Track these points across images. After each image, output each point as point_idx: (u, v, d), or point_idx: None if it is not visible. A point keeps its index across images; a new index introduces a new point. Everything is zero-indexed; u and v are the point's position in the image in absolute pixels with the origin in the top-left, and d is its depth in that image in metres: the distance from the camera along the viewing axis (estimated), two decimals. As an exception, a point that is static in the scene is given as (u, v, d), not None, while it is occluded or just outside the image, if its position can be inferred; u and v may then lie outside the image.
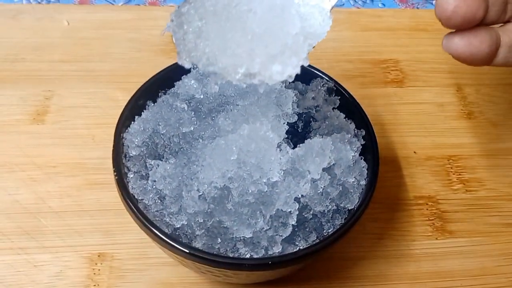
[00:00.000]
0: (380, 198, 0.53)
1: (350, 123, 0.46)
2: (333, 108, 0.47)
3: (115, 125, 0.43)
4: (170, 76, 0.47)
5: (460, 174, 0.57)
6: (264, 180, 0.39)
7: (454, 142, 0.59)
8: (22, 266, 0.47)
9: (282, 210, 0.39)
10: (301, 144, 0.41)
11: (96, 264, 0.47)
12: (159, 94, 0.46)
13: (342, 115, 0.46)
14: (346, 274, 0.49)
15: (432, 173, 0.57)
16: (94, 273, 0.47)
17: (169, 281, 0.47)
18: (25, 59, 0.63)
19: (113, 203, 0.51)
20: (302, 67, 0.48)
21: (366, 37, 0.70)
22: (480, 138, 0.60)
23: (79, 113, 0.58)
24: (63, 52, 0.64)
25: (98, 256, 0.48)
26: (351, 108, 0.47)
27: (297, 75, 0.48)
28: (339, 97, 0.47)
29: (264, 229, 0.38)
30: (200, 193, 0.39)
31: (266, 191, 0.39)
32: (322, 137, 0.41)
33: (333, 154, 0.41)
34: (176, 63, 0.48)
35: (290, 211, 0.39)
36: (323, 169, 0.41)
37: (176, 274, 0.47)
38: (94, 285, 0.46)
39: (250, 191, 0.38)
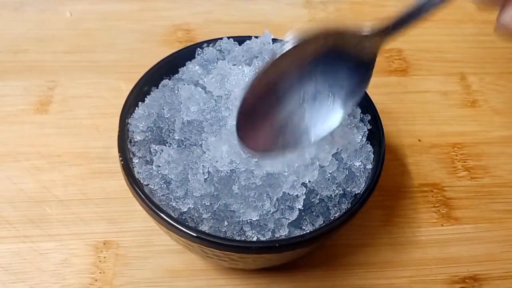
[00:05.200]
0: (385, 185, 0.53)
1: (356, 108, 0.45)
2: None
3: (119, 115, 0.43)
4: (175, 63, 0.47)
5: (465, 162, 0.57)
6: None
7: (458, 130, 0.59)
8: (27, 254, 0.47)
9: (289, 193, 0.39)
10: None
11: (101, 251, 0.47)
12: (164, 80, 0.46)
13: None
14: (351, 261, 0.48)
15: (437, 160, 0.56)
16: (100, 261, 0.47)
17: (174, 268, 0.47)
18: (28, 50, 0.63)
19: (118, 191, 0.51)
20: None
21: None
22: (484, 126, 0.60)
23: (83, 103, 0.58)
24: (66, 43, 0.64)
25: (104, 243, 0.48)
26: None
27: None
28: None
29: (271, 212, 0.38)
30: (206, 176, 0.39)
31: (273, 173, 0.38)
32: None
33: (340, 139, 0.41)
34: (180, 50, 0.49)
35: (297, 194, 0.39)
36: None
37: (182, 261, 0.47)
38: (100, 272, 0.46)
39: (256, 173, 0.38)
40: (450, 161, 0.56)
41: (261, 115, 0.36)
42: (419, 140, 0.58)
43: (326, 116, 0.38)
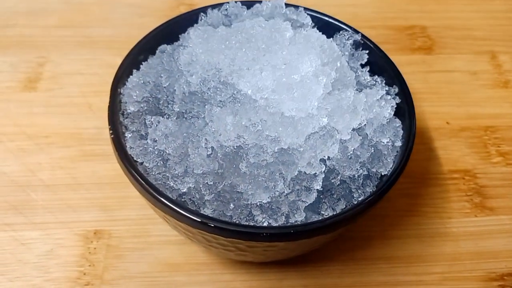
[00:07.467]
0: (411, 171, 0.47)
1: (382, 80, 0.40)
2: (361, 64, 0.41)
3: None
4: (174, 29, 0.42)
5: (499, 146, 0.51)
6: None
7: (490, 112, 0.54)
8: (8, 244, 0.42)
9: (305, 172, 0.33)
10: (328, 98, 0.35)
11: (91, 242, 0.42)
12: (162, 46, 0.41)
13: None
14: (373, 255, 0.43)
15: (467, 145, 0.51)
16: (89, 252, 0.42)
17: (173, 261, 0.41)
18: (17, 24, 0.58)
19: (111, 175, 0.46)
20: (325, 20, 0.43)
21: (389, 3, 0.64)
22: (519, 108, 0.54)
23: (75, 80, 0.53)
24: (59, 17, 0.59)
25: (94, 233, 0.43)
26: (381, 64, 0.41)
27: (319, 28, 0.43)
28: (367, 52, 0.41)
29: (284, 193, 0.33)
30: (209, 152, 0.33)
31: (287, 148, 0.33)
32: (354, 92, 0.35)
33: (365, 112, 0.36)
34: (181, 15, 0.43)
35: (315, 173, 0.33)
36: (353, 129, 0.35)
37: (182, 253, 0.42)
38: (89, 265, 0.41)
39: (268, 149, 0.33)
40: (483, 146, 0.51)
41: None
42: (447, 122, 0.52)
43: None
